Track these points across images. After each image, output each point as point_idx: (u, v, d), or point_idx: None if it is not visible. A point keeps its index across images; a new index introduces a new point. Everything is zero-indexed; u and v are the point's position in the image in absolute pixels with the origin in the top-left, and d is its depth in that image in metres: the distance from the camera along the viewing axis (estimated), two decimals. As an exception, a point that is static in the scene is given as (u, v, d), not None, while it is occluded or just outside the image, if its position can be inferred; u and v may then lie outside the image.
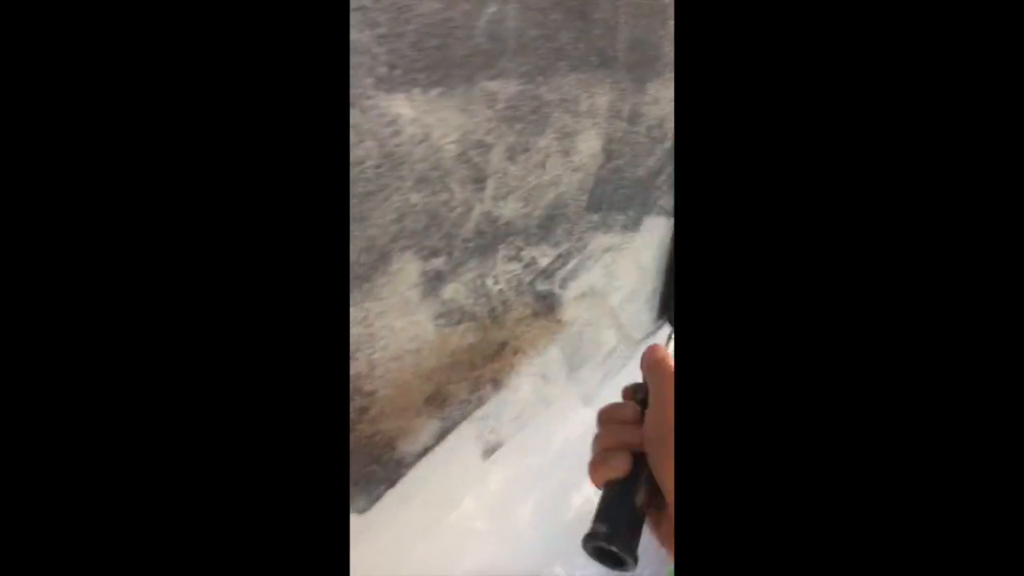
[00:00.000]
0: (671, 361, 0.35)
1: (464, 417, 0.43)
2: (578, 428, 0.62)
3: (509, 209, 0.34)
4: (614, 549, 0.28)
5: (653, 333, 0.62)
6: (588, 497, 0.75)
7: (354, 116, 0.24)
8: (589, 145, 0.37)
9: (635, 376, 0.66)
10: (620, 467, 0.30)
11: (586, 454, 0.70)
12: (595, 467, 0.31)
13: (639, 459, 0.31)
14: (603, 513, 0.30)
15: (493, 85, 0.29)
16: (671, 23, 0.37)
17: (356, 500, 0.39)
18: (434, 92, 0.26)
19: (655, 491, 0.30)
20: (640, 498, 0.30)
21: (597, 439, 0.34)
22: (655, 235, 0.51)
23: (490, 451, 0.49)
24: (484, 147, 0.30)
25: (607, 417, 0.34)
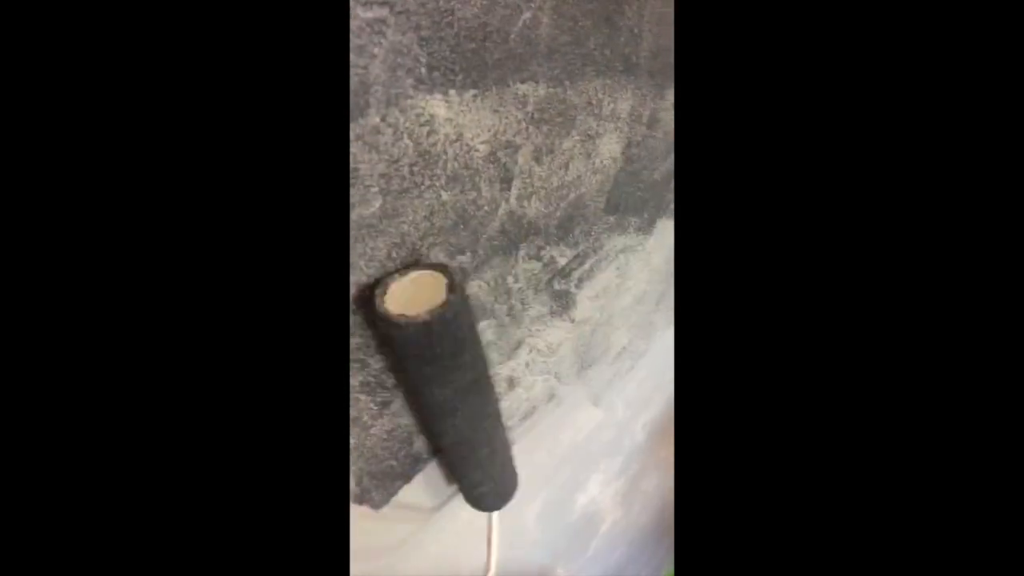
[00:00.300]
0: None
1: (480, 414, 0.44)
2: (585, 429, 0.62)
3: (532, 209, 0.35)
4: None
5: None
6: (593, 498, 0.75)
7: (393, 115, 0.25)
8: (610, 148, 0.38)
9: (643, 377, 0.66)
10: None
11: (592, 454, 0.70)
12: None
13: None
14: None
15: (524, 88, 0.29)
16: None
17: (372, 496, 0.39)
18: (469, 93, 0.27)
19: None
20: None
21: None
22: (667, 237, 0.52)
23: (502, 449, 0.50)
24: (512, 148, 0.31)
25: None
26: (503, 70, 0.28)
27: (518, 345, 0.43)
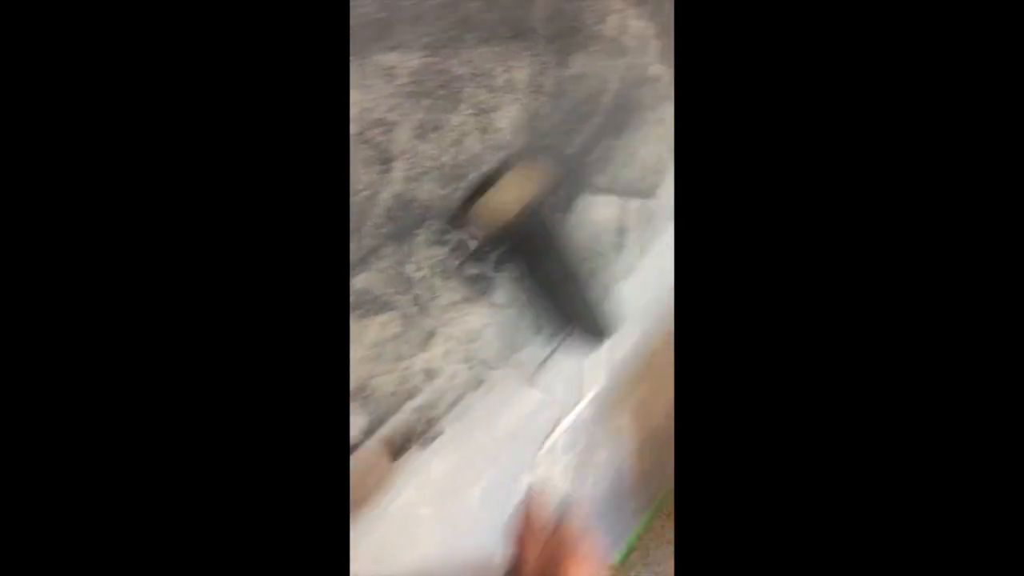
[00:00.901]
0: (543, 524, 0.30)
1: (395, 409, 0.42)
2: (523, 408, 0.61)
3: (425, 191, 0.33)
4: None
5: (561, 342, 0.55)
6: (540, 477, 0.75)
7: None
8: (510, 121, 0.36)
9: (578, 355, 0.65)
10: None
11: (532, 435, 0.70)
12: None
13: None
14: None
15: (391, 58, 0.26)
16: (592, -8, 0.35)
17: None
18: (321, 65, 0.24)
19: None
20: None
21: None
22: (589, 214, 0.51)
23: (429, 440, 0.48)
24: (386, 126, 0.28)
25: None
26: (360, 39, 0.25)
27: (431, 335, 0.41)
